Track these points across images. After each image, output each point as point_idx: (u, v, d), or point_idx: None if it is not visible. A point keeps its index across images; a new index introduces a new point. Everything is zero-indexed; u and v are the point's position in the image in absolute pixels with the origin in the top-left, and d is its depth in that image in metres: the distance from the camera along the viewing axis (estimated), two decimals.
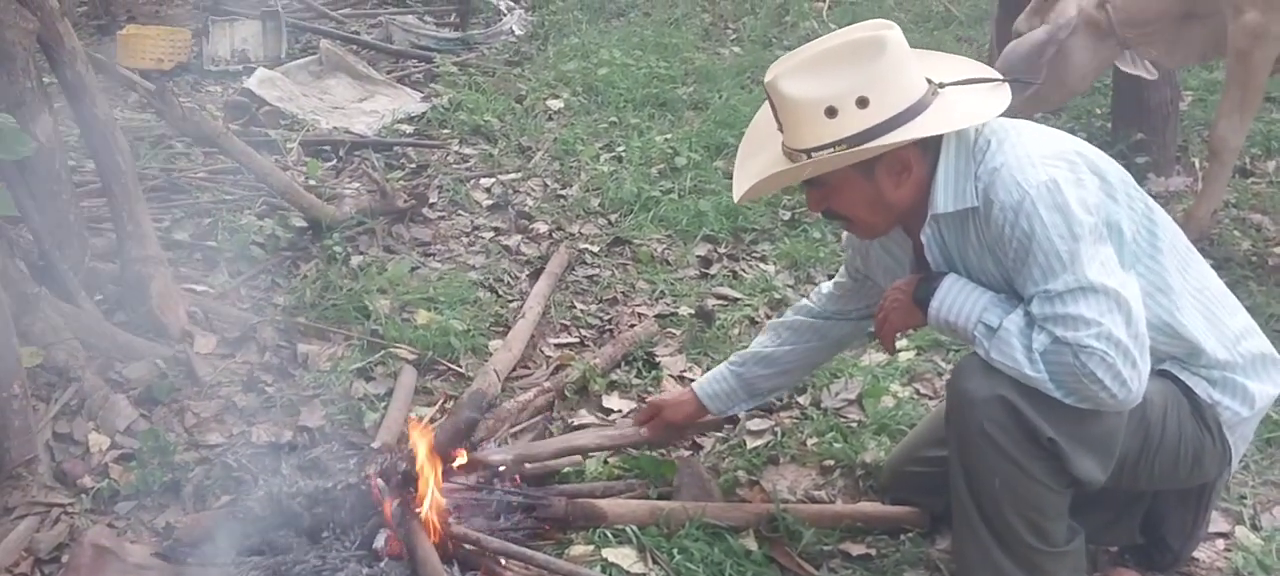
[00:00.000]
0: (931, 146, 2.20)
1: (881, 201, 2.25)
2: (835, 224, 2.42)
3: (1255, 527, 2.80)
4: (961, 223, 2.22)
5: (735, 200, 2.40)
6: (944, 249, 2.27)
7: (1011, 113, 2.24)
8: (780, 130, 2.24)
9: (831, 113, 2.11)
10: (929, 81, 2.20)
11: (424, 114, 5.71)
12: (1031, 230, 2.05)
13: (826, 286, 2.85)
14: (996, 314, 2.15)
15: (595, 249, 4.39)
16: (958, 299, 2.21)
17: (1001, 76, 2.29)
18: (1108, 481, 2.23)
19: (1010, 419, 2.14)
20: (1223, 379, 2.30)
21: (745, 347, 2.97)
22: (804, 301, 2.89)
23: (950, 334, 2.28)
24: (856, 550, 2.72)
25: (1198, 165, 5.01)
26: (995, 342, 2.13)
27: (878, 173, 2.20)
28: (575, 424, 3.22)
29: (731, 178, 4.95)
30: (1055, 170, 2.07)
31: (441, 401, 3.25)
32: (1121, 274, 2.08)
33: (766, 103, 2.27)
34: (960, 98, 2.21)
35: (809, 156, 2.17)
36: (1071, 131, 5.02)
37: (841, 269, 2.79)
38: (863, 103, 2.10)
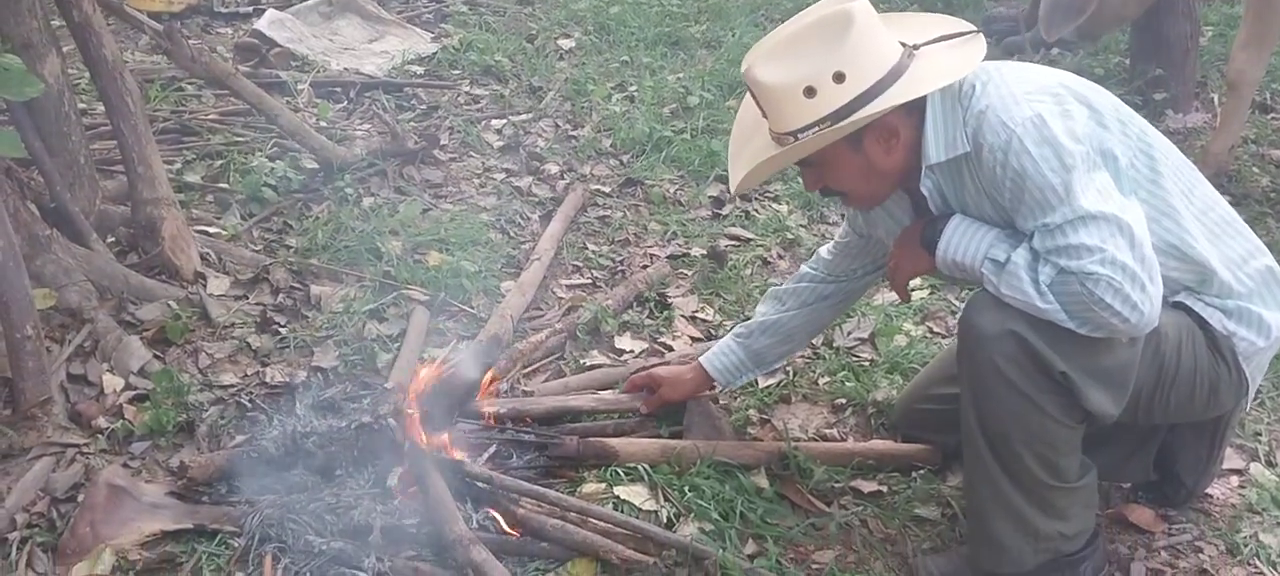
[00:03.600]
0: (916, 106, 2.18)
1: (875, 171, 2.25)
2: (835, 200, 2.42)
3: (1270, 464, 2.80)
4: (956, 170, 2.21)
5: (732, 192, 2.40)
6: (943, 198, 2.26)
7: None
8: (765, 117, 2.25)
9: (810, 93, 2.11)
10: (903, 44, 2.20)
11: (434, 54, 5.66)
12: (1022, 167, 2.04)
13: (827, 249, 2.84)
14: (1003, 249, 2.13)
15: (607, 190, 4.37)
16: (964, 238, 2.20)
17: (974, 28, 2.28)
18: (1123, 415, 2.22)
19: (1022, 353, 2.12)
20: (1238, 309, 2.28)
21: (764, 283, 2.96)
22: (806, 267, 2.88)
23: (960, 274, 2.25)
24: (868, 487, 2.73)
25: (1216, 101, 4.94)
26: (1004, 277, 2.12)
27: (866, 143, 2.21)
28: (587, 365, 3.22)
29: None
30: (1040, 104, 2.07)
31: (454, 343, 3.26)
32: (1120, 199, 2.06)
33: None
34: (937, 56, 2.21)
35: (795, 138, 2.17)
36: (1088, 68, 4.99)
37: (843, 226, 2.78)
38: (840, 77, 2.10)
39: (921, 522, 2.64)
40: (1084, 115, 2.10)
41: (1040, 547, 2.32)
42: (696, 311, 3.53)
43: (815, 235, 4.04)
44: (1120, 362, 2.14)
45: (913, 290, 3.47)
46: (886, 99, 2.12)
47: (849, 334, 3.35)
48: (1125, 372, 2.16)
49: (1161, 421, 2.46)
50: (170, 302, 3.27)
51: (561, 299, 3.60)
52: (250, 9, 6.18)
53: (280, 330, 3.29)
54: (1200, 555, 2.52)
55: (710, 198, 4.32)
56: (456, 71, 5.49)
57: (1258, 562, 2.50)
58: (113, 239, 3.54)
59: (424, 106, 5.07)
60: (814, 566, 2.49)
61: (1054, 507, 2.29)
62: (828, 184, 2.33)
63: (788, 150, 2.21)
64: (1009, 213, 2.14)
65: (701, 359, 2.91)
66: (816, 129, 2.13)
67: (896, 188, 2.36)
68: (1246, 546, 2.54)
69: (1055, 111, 2.06)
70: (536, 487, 2.58)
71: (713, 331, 3.42)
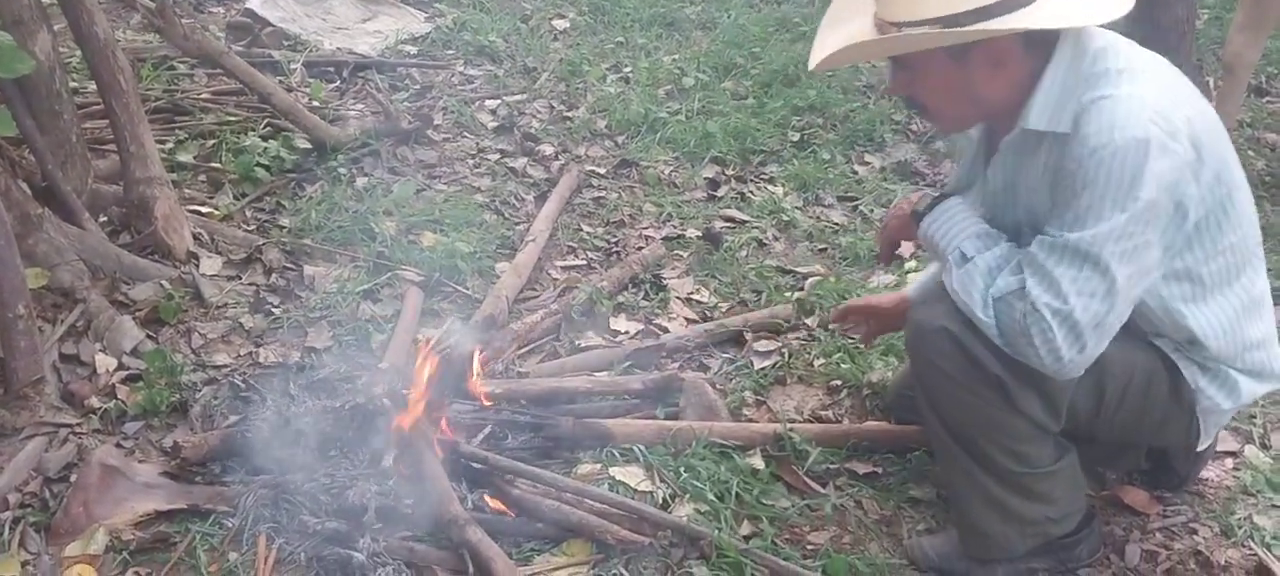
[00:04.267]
0: (1038, 48, 2.01)
1: (971, 94, 2.06)
2: (913, 111, 2.24)
3: (1265, 447, 2.80)
4: (1039, 143, 2.07)
5: (810, 67, 2.16)
6: (1013, 164, 2.14)
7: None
8: None
9: None
10: None
11: (428, 34, 5.63)
12: (1097, 177, 1.90)
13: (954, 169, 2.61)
14: (975, 245, 2.08)
15: (602, 171, 4.35)
16: (949, 222, 2.14)
17: None
18: (1067, 427, 2.20)
19: (956, 351, 2.10)
20: (1216, 370, 2.21)
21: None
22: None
23: (933, 255, 2.21)
24: (862, 468, 2.73)
25: (1212, 84, 4.94)
26: (961, 272, 2.07)
27: (972, 61, 2.01)
28: (582, 346, 3.21)
29: (739, 99, 4.96)
30: (1154, 129, 1.89)
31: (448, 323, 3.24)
32: (1134, 266, 1.95)
33: None
34: None
35: (900, 31, 1.99)
36: None
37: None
38: None
39: (917, 504, 2.64)
40: (1182, 160, 1.94)
41: (1028, 532, 2.31)
42: (692, 293, 3.52)
43: (810, 217, 4.03)
44: (1052, 378, 2.07)
45: (909, 269, 3.47)
46: (1010, 21, 1.93)
47: None
48: (1058, 389, 2.11)
49: (1110, 438, 2.39)
50: (163, 282, 3.25)
51: (556, 280, 3.59)
52: None
53: (273, 310, 3.28)
54: (1195, 537, 2.52)
55: (705, 179, 4.31)
56: (450, 51, 5.47)
57: (1252, 544, 2.49)
58: (105, 218, 3.52)
59: (418, 86, 5.05)
60: (809, 547, 2.49)
61: (1033, 492, 2.25)
62: (915, 93, 2.13)
63: (888, 40, 2.03)
64: (1052, 209, 2.02)
65: (908, 291, 2.73)
66: (927, 27, 1.96)
67: (983, 121, 2.21)
68: (1241, 528, 2.54)
69: (1161, 145, 1.90)
70: (532, 468, 2.57)
71: (708, 313, 3.41)
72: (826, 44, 2.13)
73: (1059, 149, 2.00)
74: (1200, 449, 2.40)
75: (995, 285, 2.02)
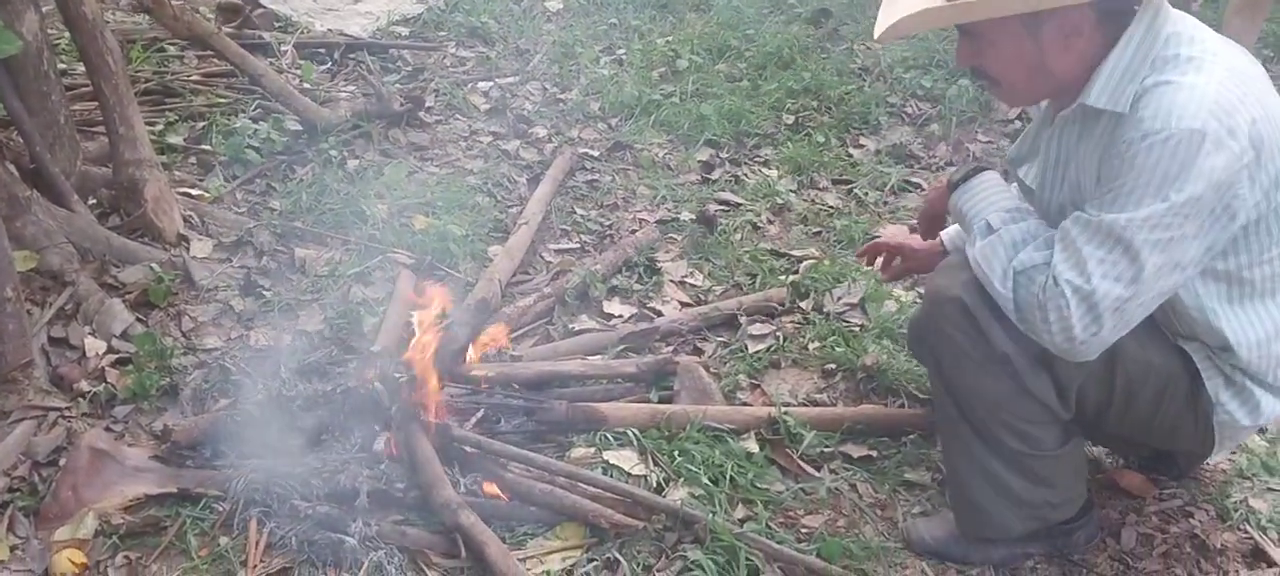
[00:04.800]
0: (1112, 22, 1.94)
1: (1042, 67, 1.99)
2: (980, 84, 2.15)
3: (1260, 431, 2.79)
4: (1096, 120, 2.01)
5: (875, 37, 2.06)
6: (1068, 140, 2.09)
7: None
8: None
9: None
10: None
11: (420, 15, 5.60)
12: (1142, 162, 1.85)
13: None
14: (1002, 218, 2.05)
15: (595, 153, 4.33)
16: (981, 194, 2.11)
17: None
18: (1076, 416, 2.18)
19: (969, 323, 2.09)
20: (1242, 385, 2.13)
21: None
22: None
23: (961, 225, 2.18)
24: (857, 452, 2.72)
25: None
26: (985, 243, 2.04)
27: (1045, 32, 1.94)
28: (576, 330, 3.20)
29: (733, 81, 4.93)
30: (1212, 122, 1.83)
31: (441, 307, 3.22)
32: (1165, 257, 1.89)
33: None
34: None
35: None
36: None
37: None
38: None
39: (912, 487, 2.63)
40: (1237, 159, 1.85)
41: (1025, 514, 2.29)
42: (686, 276, 3.50)
43: (805, 200, 4.01)
44: (1063, 362, 2.06)
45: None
46: None
47: (839, 299, 3.33)
48: (1068, 373, 2.09)
49: (1116, 434, 2.36)
50: (153, 265, 3.22)
51: (550, 263, 3.57)
52: None
53: (264, 293, 3.25)
54: (1191, 520, 2.52)
55: (700, 162, 4.29)
56: (442, 33, 5.43)
57: (1248, 527, 2.49)
58: (94, 201, 3.49)
59: (409, 68, 5.02)
60: (804, 530, 2.48)
61: (1035, 475, 2.24)
62: (983, 63, 2.05)
63: (958, 7, 1.92)
64: (1094, 190, 1.98)
65: (945, 235, 2.61)
66: None
67: (1051, 97, 2.12)
68: (1236, 511, 2.53)
69: (1217, 140, 1.83)
70: (524, 452, 2.56)
71: (702, 296, 3.40)
72: (896, 9, 2.01)
73: (1114, 129, 1.95)
74: (1212, 459, 2.34)
75: (1017, 258, 1.99)
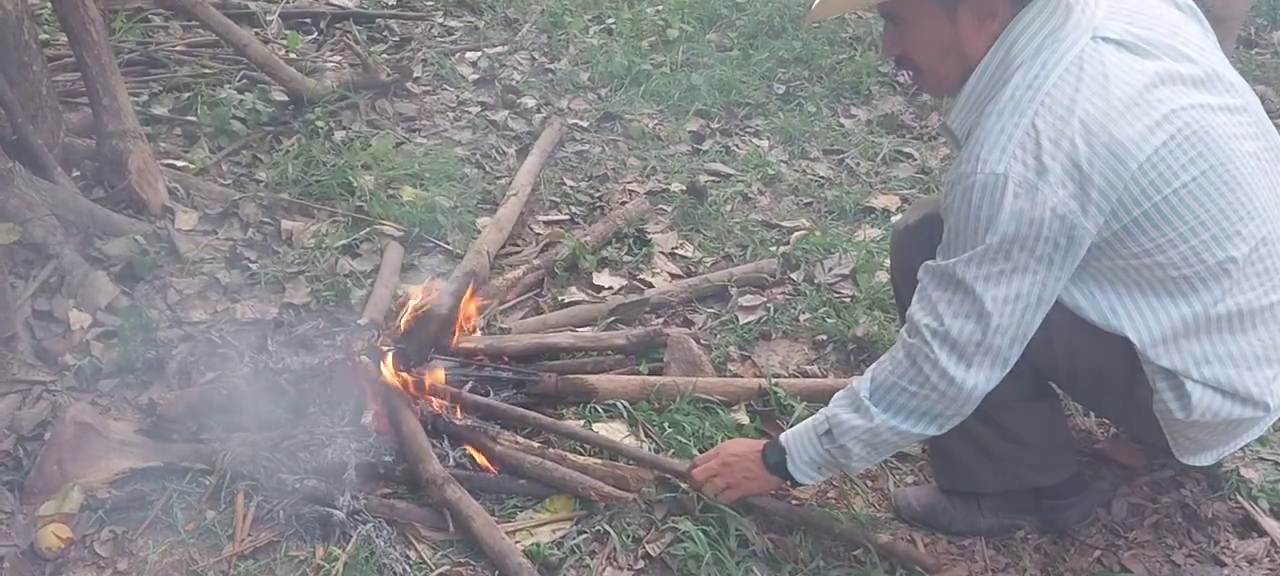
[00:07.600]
0: (1022, 7, 1.90)
1: (958, 49, 1.95)
2: (906, 73, 2.14)
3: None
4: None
5: (809, 20, 2.15)
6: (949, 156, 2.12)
7: None
8: None
9: None
10: None
11: None
12: (957, 207, 1.88)
13: None
14: (820, 418, 2.12)
15: (585, 124, 4.30)
16: (803, 444, 2.18)
17: None
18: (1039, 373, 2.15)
19: (912, 254, 2.13)
20: (1171, 376, 2.00)
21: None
22: None
23: (829, 472, 2.22)
24: None
25: None
26: (837, 434, 2.09)
27: (961, 12, 1.92)
28: (566, 301, 3.17)
29: (724, 51, 4.89)
30: (1016, 166, 1.82)
31: (428, 279, 3.20)
32: (1004, 289, 1.88)
33: None
34: None
35: None
36: None
37: None
38: None
39: (902, 457, 2.62)
40: (1051, 194, 1.82)
41: (999, 470, 2.29)
42: (676, 248, 3.48)
43: (796, 171, 3.99)
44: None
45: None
46: None
47: (830, 270, 3.31)
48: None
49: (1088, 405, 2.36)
50: (137, 237, 3.19)
51: (539, 235, 3.55)
52: None
53: (251, 266, 3.23)
54: (1181, 491, 2.51)
55: (690, 132, 4.26)
56: (430, 2, 5.38)
57: (1239, 497, 2.49)
58: (78, 173, 3.46)
59: (396, 38, 4.97)
60: (794, 502, 2.47)
61: (1002, 428, 2.21)
62: (907, 50, 2.02)
63: None
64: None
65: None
66: None
67: (964, 81, 2.04)
68: (1227, 481, 2.53)
69: (1022, 182, 1.82)
70: (518, 410, 2.55)
71: (692, 268, 3.38)
72: None
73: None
74: (1191, 462, 2.20)
75: (858, 398, 2.06)
